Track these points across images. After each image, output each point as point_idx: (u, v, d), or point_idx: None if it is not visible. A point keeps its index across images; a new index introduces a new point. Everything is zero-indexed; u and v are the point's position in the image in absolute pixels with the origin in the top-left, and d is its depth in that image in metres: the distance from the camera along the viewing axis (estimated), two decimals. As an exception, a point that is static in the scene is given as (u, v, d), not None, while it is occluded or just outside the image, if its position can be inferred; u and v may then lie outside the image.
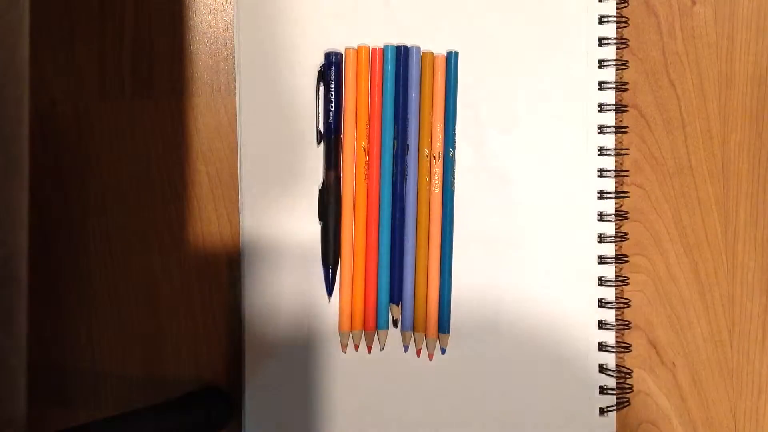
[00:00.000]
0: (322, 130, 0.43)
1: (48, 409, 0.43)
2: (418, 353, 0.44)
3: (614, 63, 0.44)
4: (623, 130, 0.45)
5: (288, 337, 0.43)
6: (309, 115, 0.44)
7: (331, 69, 0.43)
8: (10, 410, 0.25)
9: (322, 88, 0.43)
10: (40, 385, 0.43)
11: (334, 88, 0.43)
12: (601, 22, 0.44)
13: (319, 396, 0.43)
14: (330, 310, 0.44)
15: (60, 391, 0.43)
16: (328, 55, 0.43)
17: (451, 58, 0.43)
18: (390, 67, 0.43)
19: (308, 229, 0.44)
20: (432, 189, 0.43)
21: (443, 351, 0.43)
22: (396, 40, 0.44)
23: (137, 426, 0.40)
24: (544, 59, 0.44)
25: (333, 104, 0.43)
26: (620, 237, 0.45)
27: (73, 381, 0.43)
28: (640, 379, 0.45)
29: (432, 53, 0.43)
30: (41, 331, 0.43)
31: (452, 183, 0.43)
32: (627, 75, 0.46)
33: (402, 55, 0.43)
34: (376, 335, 0.44)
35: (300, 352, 0.43)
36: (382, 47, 0.43)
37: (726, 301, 0.45)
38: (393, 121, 0.43)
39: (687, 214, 0.46)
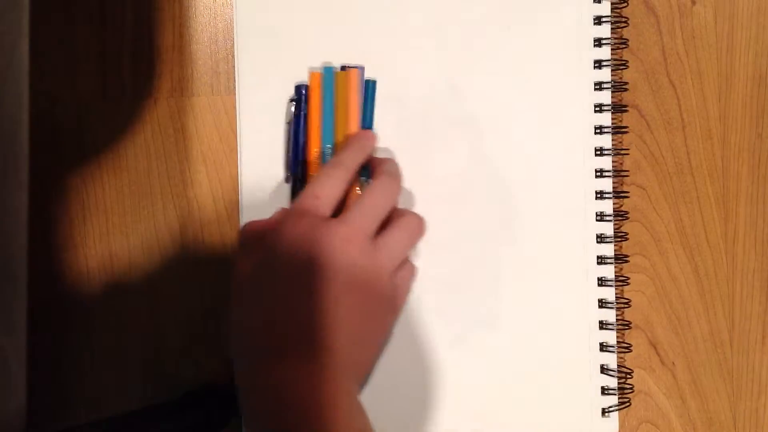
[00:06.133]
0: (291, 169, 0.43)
1: (48, 409, 0.43)
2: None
3: (613, 63, 0.45)
4: (623, 130, 0.45)
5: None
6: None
7: (300, 101, 0.43)
8: (10, 410, 0.25)
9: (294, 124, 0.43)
10: (40, 385, 0.43)
11: (303, 120, 0.43)
12: (598, 23, 0.44)
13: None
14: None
15: (60, 391, 0.43)
16: (298, 89, 0.43)
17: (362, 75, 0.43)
18: (328, 89, 0.43)
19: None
20: None
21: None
22: (396, 41, 0.44)
23: (137, 426, 0.40)
24: (541, 60, 0.44)
25: (301, 138, 0.43)
26: (620, 237, 0.45)
27: (73, 381, 0.43)
28: (640, 379, 0.45)
29: (343, 72, 0.43)
30: (41, 331, 0.43)
31: None
32: (627, 75, 0.46)
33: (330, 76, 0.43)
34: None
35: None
36: (321, 71, 0.43)
37: (726, 301, 0.45)
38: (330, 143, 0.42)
39: (687, 214, 0.46)
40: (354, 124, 0.42)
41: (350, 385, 0.35)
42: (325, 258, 0.35)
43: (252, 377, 0.34)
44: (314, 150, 0.42)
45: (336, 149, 0.42)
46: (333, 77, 0.43)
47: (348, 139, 0.42)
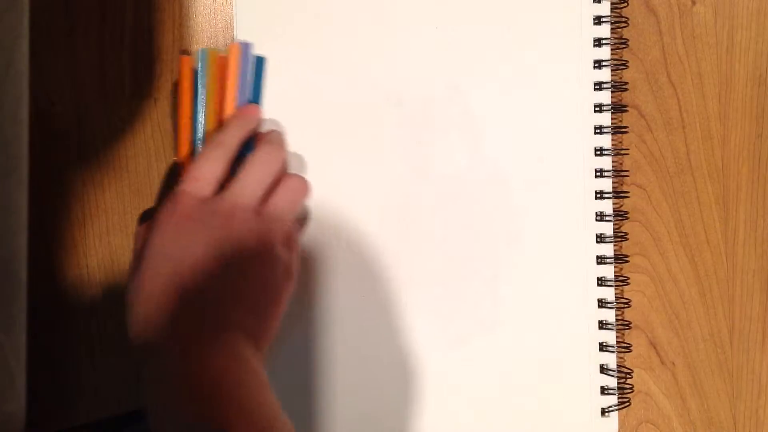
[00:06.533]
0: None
1: (48, 409, 0.43)
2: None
3: (613, 63, 0.45)
4: (623, 130, 0.45)
5: (288, 338, 0.43)
6: (308, 116, 0.44)
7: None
8: (9, 410, 0.25)
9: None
10: (40, 385, 0.43)
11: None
12: (598, 23, 0.44)
13: (320, 396, 0.43)
14: (330, 308, 0.44)
15: (60, 391, 0.43)
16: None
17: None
18: (202, 72, 0.41)
19: (308, 229, 0.43)
20: None
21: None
22: (396, 41, 0.44)
23: (137, 426, 0.41)
24: (541, 60, 0.44)
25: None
26: (620, 237, 0.45)
27: (73, 381, 0.43)
28: (640, 379, 0.45)
29: (214, 50, 0.42)
30: (41, 330, 0.43)
31: None
32: (627, 75, 0.46)
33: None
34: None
35: (300, 353, 0.43)
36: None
37: (726, 301, 0.45)
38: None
39: (687, 214, 0.46)
40: (232, 101, 0.41)
41: (261, 360, 0.36)
42: (211, 236, 0.36)
43: (176, 366, 0.33)
44: (185, 136, 0.41)
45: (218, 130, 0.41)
46: (207, 59, 0.41)
47: (231, 117, 0.41)
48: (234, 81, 0.41)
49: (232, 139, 0.39)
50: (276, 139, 0.41)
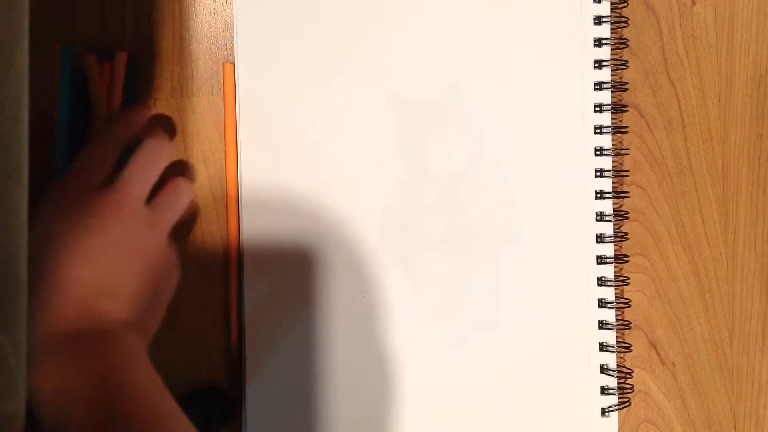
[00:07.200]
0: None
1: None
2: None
3: (613, 63, 0.45)
4: (623, 130, 0.45)
5: (288, 337, 0.43)
6: (307, 115, 0.44)
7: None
8: (9, 410, 0.25)
9: None
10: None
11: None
12: (598, 23, 0.44)
13: (320, 396, 0.43)
14: (330, 308, 0.44)
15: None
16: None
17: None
18: (65, 73, 0.42)
19: (309, 228, 0.44)
20: None
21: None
22: (396, 41, 0.44)
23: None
24: (541, 60, 0.44)
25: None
26: (620, 237, 0.45)
27: (73, 381, 0.43)
28: (640, 379, 0.45)
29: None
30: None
31: None
32: (627, 75, 0.46)
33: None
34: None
35: (301, 352, 0.43)
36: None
37: (726, 301, 0.45)
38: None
39: (687, 214, 0.46)
40: (117, 103, 0.42)
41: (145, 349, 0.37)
42: (101, 226, 0.36)
43: (65, 362, 0.33)
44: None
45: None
46: (70, 58, 0.42)
47: (115, 117, 0.42)
48: (120, 84, 0.42)
49: (116, 136, 0.40)
50: (160, 134, 0.41)
